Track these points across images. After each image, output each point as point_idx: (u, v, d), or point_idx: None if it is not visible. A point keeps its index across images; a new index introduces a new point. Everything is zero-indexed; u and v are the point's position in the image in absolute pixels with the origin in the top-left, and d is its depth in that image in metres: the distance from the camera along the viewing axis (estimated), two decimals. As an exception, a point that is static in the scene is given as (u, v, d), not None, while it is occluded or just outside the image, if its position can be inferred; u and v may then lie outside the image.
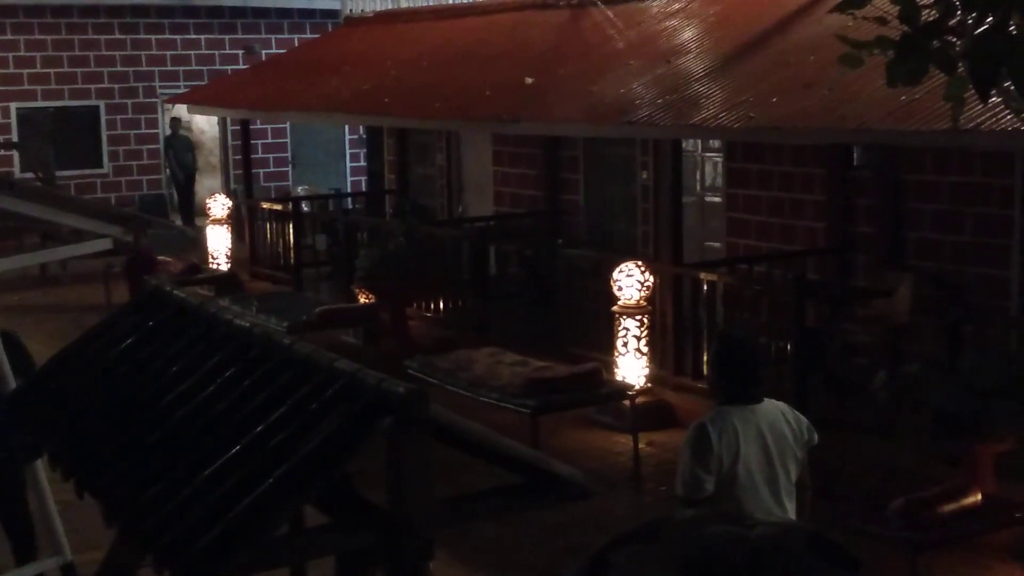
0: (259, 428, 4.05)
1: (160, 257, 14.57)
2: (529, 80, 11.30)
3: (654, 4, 12.10)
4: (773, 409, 5.14)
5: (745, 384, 5.10)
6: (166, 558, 3.78)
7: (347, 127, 20.93)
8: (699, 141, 11.65)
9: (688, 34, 11.07)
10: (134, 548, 4.48)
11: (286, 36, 21.22)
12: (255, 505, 3.73)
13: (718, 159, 11.77)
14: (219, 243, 15.50)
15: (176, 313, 5.35)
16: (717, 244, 11.71)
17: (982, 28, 2.95)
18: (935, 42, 3.34)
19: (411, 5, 16.01)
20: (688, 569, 1.27)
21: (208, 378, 4.59)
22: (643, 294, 9.70)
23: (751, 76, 9.48)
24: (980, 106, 6.28)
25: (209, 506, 3.82)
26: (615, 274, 9.76)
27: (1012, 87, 3.10)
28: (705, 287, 9.94)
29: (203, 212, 16.78)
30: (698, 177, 12.04)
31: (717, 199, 11.81)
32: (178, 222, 19.90)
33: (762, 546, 1.28)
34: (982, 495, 6.87)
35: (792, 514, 5.05)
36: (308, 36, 20.62)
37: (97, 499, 4.43)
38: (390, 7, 16.23)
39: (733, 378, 5.13)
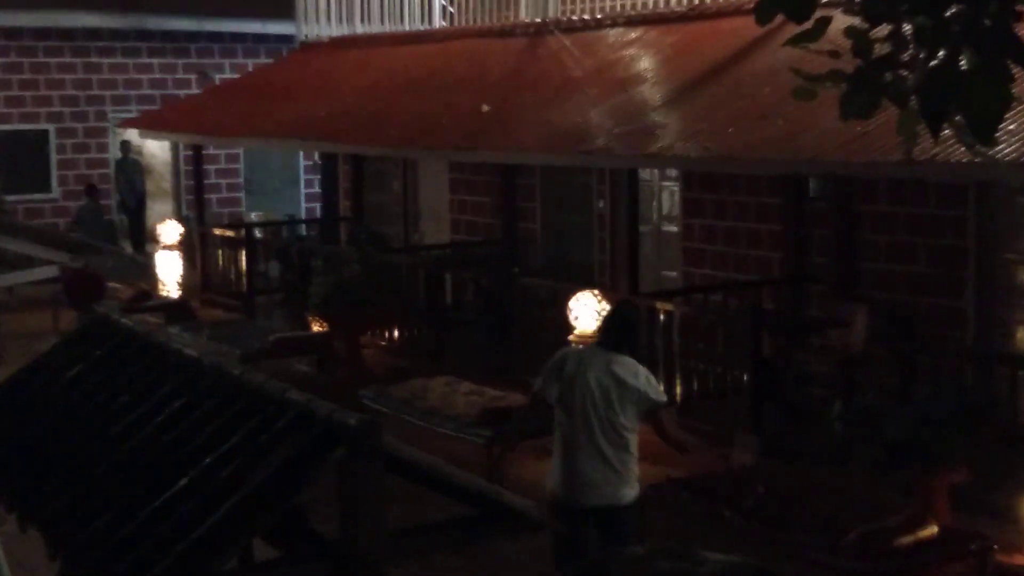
0: (208, 460, 4.02)
1: (111, 284, 14.41)
2: (486, 108, 11.31)
3: (611, 33, 12.18)
4: (628, 363, 6.27)
5: (610, 335, 6.35)
6: (111, 594, 3.71)
7: (302, 153, 20.87)
8: (656, 170, 11.70)
9: (645, 63, 11.14)
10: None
11: (240, 61, 21.13)
12: (204, 538, 3.70)
13: (675, 188, 11.82)
14: (170, 270, 15.34)
15: (124, 342, 5.29)
16: (673, 273, 11.75)
17: (933, 63, 2.97)
18: (888, 75, 3.36)
19: (367, 31, 16.00)
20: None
21: (157, 408, 4.55)
22: (599, 323, 9.68)
23: (707, 106, 9.54)
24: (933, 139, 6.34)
25: (156, 539, 3.78)
26: (571, 303, 9.76)
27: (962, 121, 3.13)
28: (662, 316, 9.95)
29: (153, 238, 16.63)
30: (655, 206, 12.09)
31: (674, 228, 11.85)
32: (128, 248, 19.73)
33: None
34: (937, 526, 6.89)
35: (612, 457, 6.17)
36: (263, 61, 20.55)
37: (41, 532, 4.35)
38: (346, 33, 16.21)
39: (607, 330, 6.43)
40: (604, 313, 6.88)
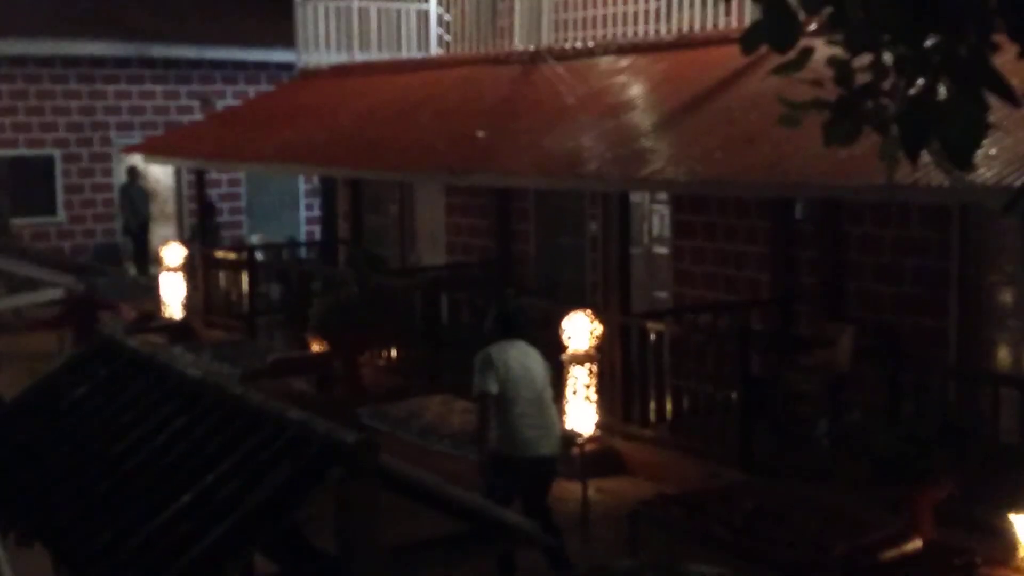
0: (210, 477, 4.11)
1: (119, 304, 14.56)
2: (481, 133, 11.46)
3: (602, 61, 12.34)
4: (525, 346, 7.87)
5: (508, 329, 7.84)
6: (117, 606, 3.81)
7: (302, 177, 21.02)
8: (647, 193, 11.84)
9: (635, 90, 11.30)
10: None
11: (242, 87, 21.32)
12: (205, 553, 3.77)
13: (665, 211, 11.97)
14: (173, 291, 15.50)
15: (128, 363, 5.40)
16: (664, 294, 11.88)
17: (912, 92, 3.08)
18: (869, 104, 3.46)
19: (366, 59, 16.17)
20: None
21: (160, 427, 4.64)
22: (592, 343, 9.83)
23: (696, 132, 9.69)
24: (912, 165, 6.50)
25: (159, 554, 3.86)
26: (564, 323, 9.88)
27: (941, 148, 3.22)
28: (652, 336, 10.09)
29: (157, 261, 16.78)
30: (646, 229, 12.24)
31: (664, 250, 12.00)
32: (132, 271, 19.88)
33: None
34: (922, 541, 6.98)
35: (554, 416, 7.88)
36: (264, 88, 20.72)
37: (47, 547, 4.44)
38: (345, 60, 16.38)
39: (502, 328, 7.85)
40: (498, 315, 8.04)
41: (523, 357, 7.82)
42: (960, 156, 2.98)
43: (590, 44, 12.82)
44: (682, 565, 1.28)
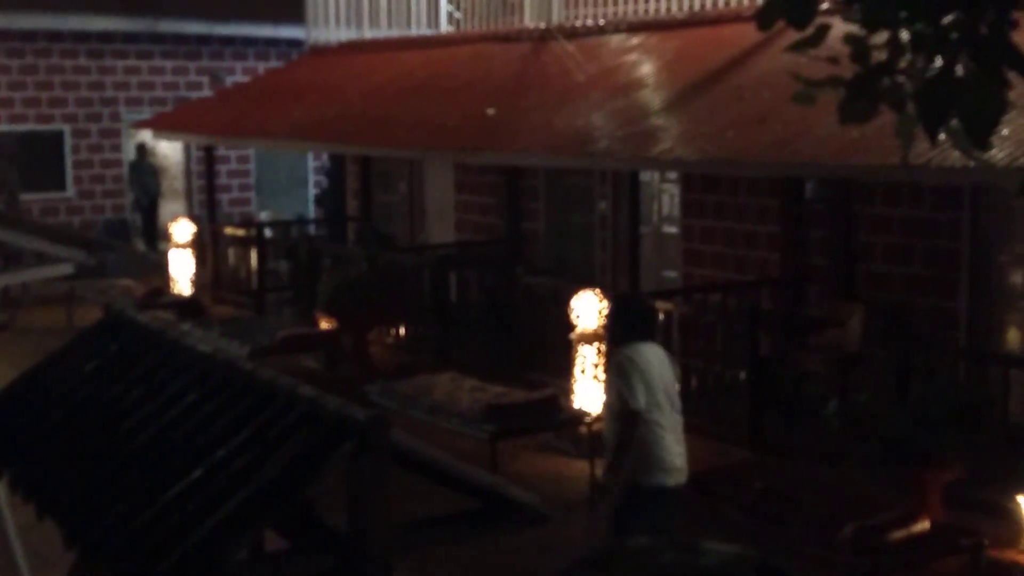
0: (220, 453, 4.10)
1: (124, 281, 14.59)
2: (491, 111, 11.44)
3: (613, 38, 12.30)
4: (660, 349, 6.69)
5: (644, 326, 6.62)
6: (127, 580, 3.82)
7: (311, 154, 21.00)
8: (657, 172, 11.82)
9: (646, 68, 11.26)
10: (94, 571, 4.51)
11: (251, 64, 21.28)
12: (215, 529, 3.77)
13: (675, 190, 11.94)
14: (182, 268, 15.51)
15: (139, 338, 5.40)
16: (673, 273, 11.87)
17: (931, 71, 3.05)
18: (886, 81, 3.43)
19: (375, 36, 16.13)
20: (640, 596, 1.36)
21: (170, 403, 4.64)
22: (601, 322, 9.83)
23: (707, 110, 9.66)
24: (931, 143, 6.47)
25: (170, 530, 3.86)
26: (573, 302, 9.88)
27: (959, 127, 3.19)
28: (661, 316, 10.07)
29: (166, 237, 16.80)
30: (655, 208, 12.21)
31: (674, 229, 11.98)
32: (141, 247, 19.89)
33: (712, 573, 1.38)
34: (930, 522, 6.98)
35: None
36: (273, 64, 20.68)
37: (57, 522, 4.45)
38: (354, 37, 16.34)
39: (634, 323, 6.60)
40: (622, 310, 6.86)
41: (661, 364, 6.60)
42: (979, 134, 2.95)
43: (601, 22, 12.78)
44: (701, 543, 1.29)
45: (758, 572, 1.24)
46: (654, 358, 6.51)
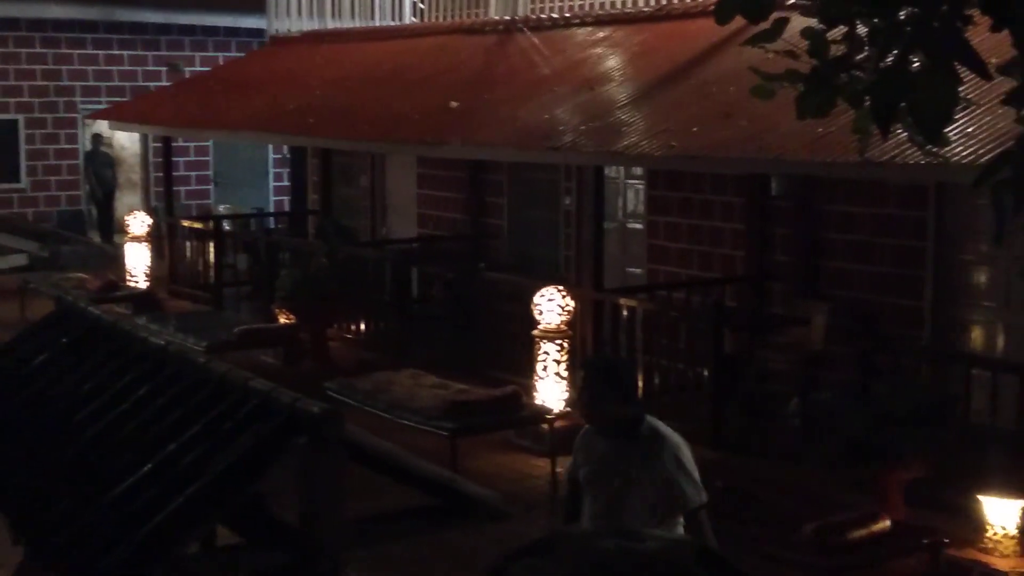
0: (172, 446, 4.04)
1: (78, 274, 14.40)
2: (454, 104, 11.36)
3: (579, 32, 12.24)
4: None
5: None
6: (74, 576, 3.75)
7: (271, 147, 20.84)
8: (622, 168, 11.77)
9: (612, 62, 11.21)
10: (42, 566, 4.42)
11: (211, 54, 21.08)
12: (166, 523, 3.71)
13: (640, 186, 11.90)
14: (138, 261, 15.32)
15: (91, 330, 5.30)
16: (638, 270, 11.82)
17: (884, 63, 3.04)
18: (843, 76, 3.43)
19: (338, 26, 16.00)
20: (581, 581, 1.30)
21: (121, 396, 4.56)
22: (563, 319, 9.76)
23: (673, 105, 9.62)
24: (891, 139, 6.45)
25: (120, 524, 3.79)
26: (536, 298, 9.81)
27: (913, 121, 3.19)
28: (625, 313, 10.04)
29: (122, 229, 16.60)
30: (620, 204, 12.17)
31: (638, 226, 11.93)
32: (97, 239, 19.66)
33: (653, 559, 1.32)
34: (891, 521, 6.98)
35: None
36: (233, 54, 20.51)
37: (5, 516, 4.37)
38: (316, 27, 16.21)
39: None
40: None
41: None
42: (931, 129, 2.97)
43: (567, 14, 12.73)
44: (638, 530, 1.27)
45: (698, 557, 1.19)
46: None
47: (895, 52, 2.98)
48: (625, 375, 5.23)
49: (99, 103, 19.73)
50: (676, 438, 4.91)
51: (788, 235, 10.28)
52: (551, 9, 13.01)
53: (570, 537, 1.38)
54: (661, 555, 1.33)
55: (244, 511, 4.13)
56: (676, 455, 4.84)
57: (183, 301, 14.97)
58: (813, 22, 3.39)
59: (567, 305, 9.76)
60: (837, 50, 3.47)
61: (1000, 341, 9.12)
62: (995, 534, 7.12)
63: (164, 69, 20.77)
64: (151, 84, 20.31)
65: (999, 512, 7.13)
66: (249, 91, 14.77)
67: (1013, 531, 7.09)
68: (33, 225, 19.11)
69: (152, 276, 15.39)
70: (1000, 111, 6.63)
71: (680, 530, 4.90)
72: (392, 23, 15.65)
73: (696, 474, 4.86)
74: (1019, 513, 7.12)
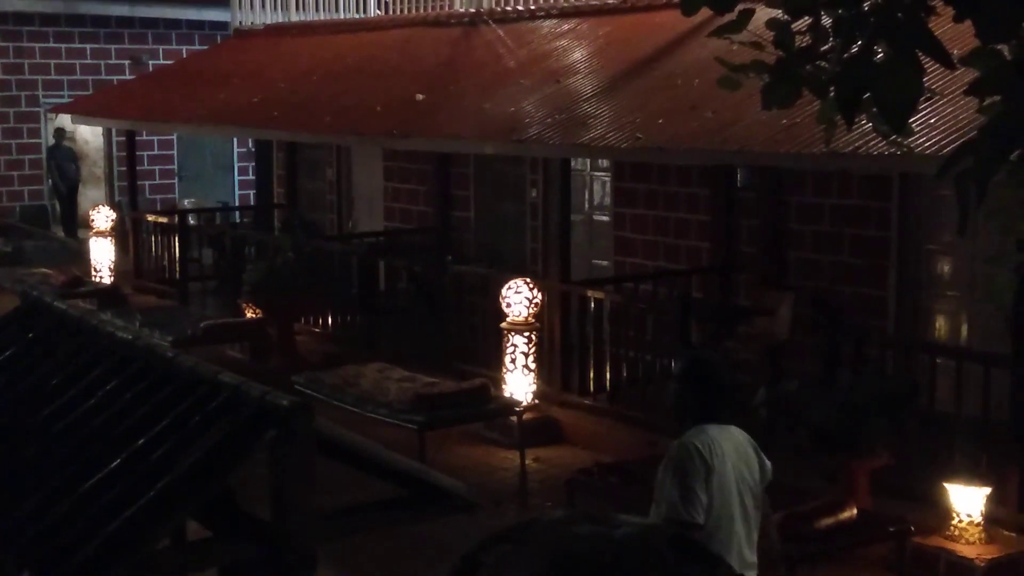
0: (140, 441, 4.02)
1: (42, 269, 14.27)
2: (420, 96, 11.34)
3: (544, 24, 12.25)
4: (740, 435, 4.84)
5: (722, 402, 4.80)
6: (43, 572, 3.72)
7: (236, 140, 20.73)
8: (588, 160, 11.79)
9: (578, 54, 11.23)
10: (10, 562, 4.39)
11: (174, 47, 20.94)
12: (135, 518, 3.70)
13: (606, 179, 11.92)
14: (102, 256, 15.21)
15: (56, 325, 5.26)
16: (605, 262, 11.85)
17: (849, 53, 3.06)
18: (808, 67, 3.45)
19: (302, 19, 15.94)
20: (555, 567, 1.31)
21: (88, 391, 4.53)
22: (531, 311, 9.78)
23: (638, 97, 9.64)
24: (856, 131, 6.50)
25: (88, 519, 3.77)
26: (504, 291, 9.82)
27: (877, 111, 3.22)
28: (592, 304, 10.06)
29: (86, 224, 16.47)
30: (587, 196, 12.19)
31: (605, 218, 11.96)
32: (60, 234, 19.50)
33: (626, 544, 1.33)
34: (857, 510, 7.03)
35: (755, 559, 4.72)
36: (197, 47, 20.39)
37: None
38: (281, 20, 16.13)
39: (710, 396, 4.78)
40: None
41: (739, 456, 4.77)
42: (895, 118, 2.98)
43: (532, 7, 12.73)
44: (612, 515, 1.27)
45: (671, 542, 1.21)
46: (730, 448, 4.70)
47: (860, 42, 3.01)
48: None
49: (62, 97, 19.57)
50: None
51: (754, 226, 10.32)
52: (516, 1, 13.01)
53: (544, 523, 1.39)
54: (634, 539, 1.34)
55: (214, 505, 4.12)
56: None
57: (148, 296, 14.87)
58: (778, 13, 3.40)
59: (535, 297, 9.78)
60: (802, 41, 3.49)
61: (964, 330, 9.20)
62: (961, 522, 7.17)
63: (127, 63, 20.61)
64: (114, 78, 20.16)
65: (965, 500, 7.18)
66: (213, 84, 14.69)
67: (978, 519, 7.15)
68: (-6, 220, 18.95)
69: (116, 271, 15.29)
70: (962, 102, 6.70)
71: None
72: (357, 16, 15.62)
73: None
74: (984, 501, 7.18)
